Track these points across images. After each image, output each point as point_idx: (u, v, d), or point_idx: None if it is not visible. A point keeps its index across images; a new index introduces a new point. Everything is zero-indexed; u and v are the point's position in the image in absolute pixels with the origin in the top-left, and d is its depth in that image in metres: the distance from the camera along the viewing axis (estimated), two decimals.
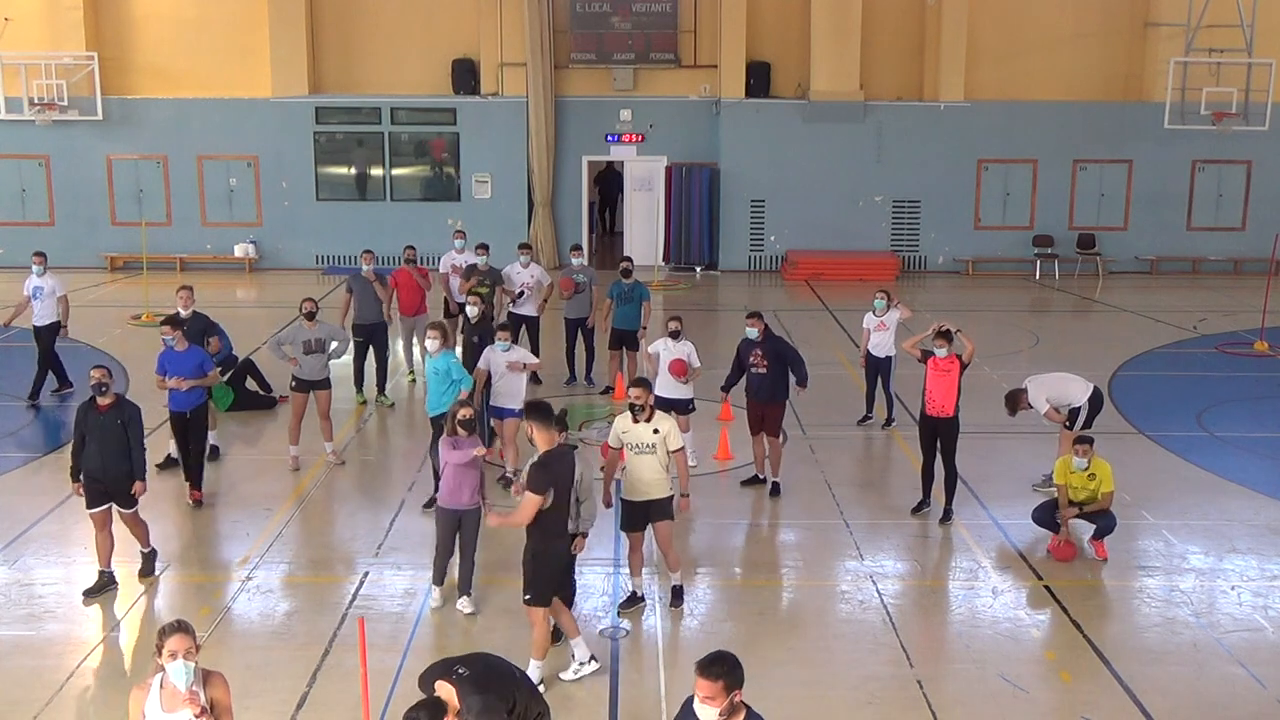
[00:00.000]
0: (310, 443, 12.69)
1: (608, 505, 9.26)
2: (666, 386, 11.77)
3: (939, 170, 25.26)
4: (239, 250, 25.22)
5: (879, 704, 7.92)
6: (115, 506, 9.41)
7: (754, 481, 11.94)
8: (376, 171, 25.64)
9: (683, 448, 9.09)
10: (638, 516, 9.00)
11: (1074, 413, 11.64)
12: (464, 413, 8.99)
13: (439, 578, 9.21)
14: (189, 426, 11.35)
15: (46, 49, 24.50)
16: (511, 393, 11.67)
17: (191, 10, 25.06)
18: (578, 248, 16.60)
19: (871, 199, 25.46)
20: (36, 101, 24.15)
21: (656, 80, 25.43)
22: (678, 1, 25.11)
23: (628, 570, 9.32)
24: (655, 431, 8.85)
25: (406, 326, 15.62)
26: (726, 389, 12.12)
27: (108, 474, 9.30)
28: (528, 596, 7.94)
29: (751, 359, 11.54)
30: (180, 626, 5.30)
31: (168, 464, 12.26)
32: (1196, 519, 11.27)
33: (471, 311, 12.89)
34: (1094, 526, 10.28)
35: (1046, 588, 9.76)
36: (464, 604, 9.08)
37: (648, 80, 25.41)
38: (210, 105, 24.99)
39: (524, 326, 15.51)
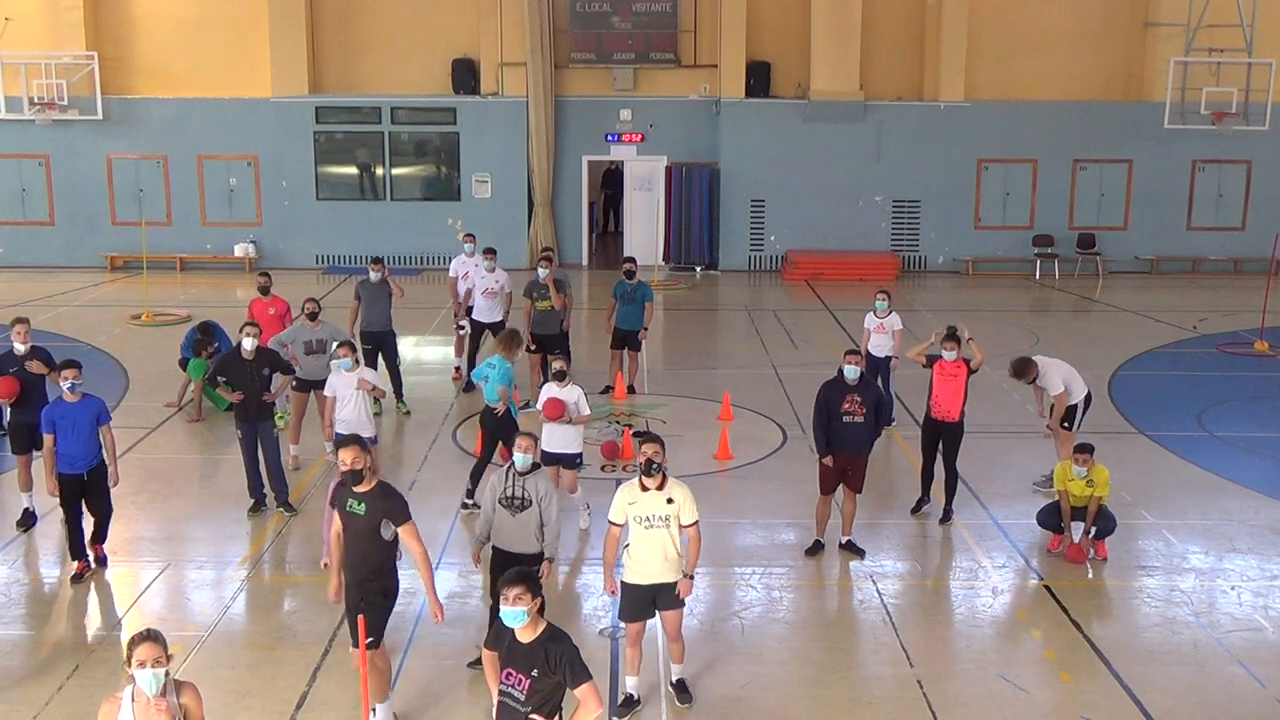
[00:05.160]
0: (310, 443, 12.69)
1: (611, 593, 7.90)
2: (552, 439, 10.39)
3: (939, 170, 25.27)
4: (239, 250, 25.22)
5: (879, 704, 7.92)
6: None
7: (817, 549, 10.34)
8: (376, 171, 25.65)
9: (697, 522, 7.63)
10: (643, 603, 7.67)
11: (1071, 410, 11.65)
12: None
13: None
14: (86, 490, 9.66)
15: (46, 49, 24.51)
16: (362, 419, 10.84)
17: (191, 10, 25.07)
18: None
19: (871, 199, 25.46)
20: (36, 101, 24.16)
21: (656, 80, 25.43)
22: (678, 1, 25.12)
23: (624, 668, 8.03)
24: (669, 502, 7.51)
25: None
26: (826, 447, 10.08)
27: None
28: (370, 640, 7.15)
29: (846, 405, 10.00)
30: (149, 635, 5.25)
31: (26, 519, 10.77)
32: (1196, 519, 11.27)
33: (247, 344, 11.03)
34: (1094, 527, 10.28)
35: (1046, 588, 9.76)
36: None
37: (648, 80, 25.42)
38: (210, 105, 25.00)
39: (486, 333, 15.18)
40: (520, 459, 7.93)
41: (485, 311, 15.19)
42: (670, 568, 7.59)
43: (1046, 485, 11.62)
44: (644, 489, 7.53)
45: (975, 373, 11.01)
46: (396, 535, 7.30)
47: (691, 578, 7.71)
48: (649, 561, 7.55)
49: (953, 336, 11.03)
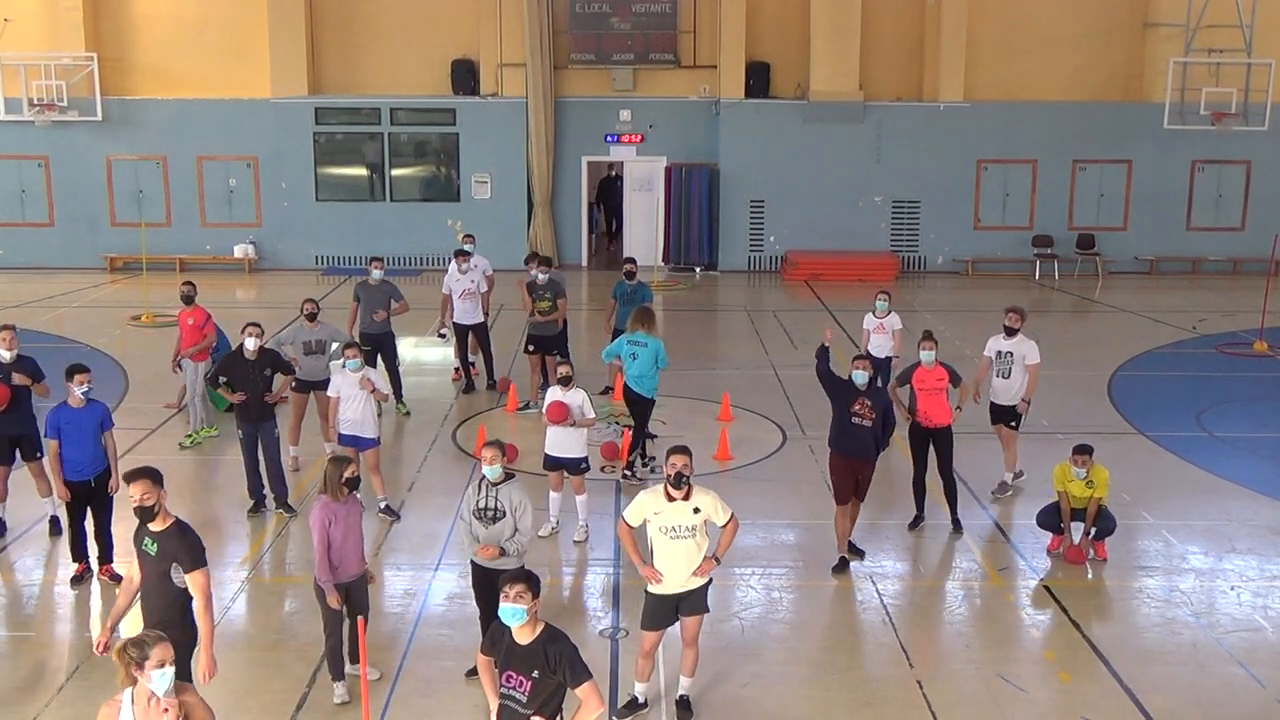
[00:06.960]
0: (310, 443, 12.69)
1: (656, 580, 7.46)
2: (557, 444, 10.42)
3: (938, 170, 25.26)
4: (238, 251, 25.22)
5: (879, 704, 7.92)
6: None
7: (844, 567, 10.05)
8: (376, 172, 25.65)
9: (733, 515, 7.56)
10: (666, 613, 7.54)
11: (1015, 412, 11.73)
12: (351, 470, 7.71)
13: (339, 671, 7.82)
14: (93, 496, 9.48)
15: (46, 49, 24.49)
16: (366, 419, 10.81)
17: (191, 10, 25.06)
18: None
19: (871, 199, 25.45)
20: (36, 102, 24.12)
21: (656, 80, 25.43)
22: (677, 2, 25.10)
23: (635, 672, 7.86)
24: (696, 511, 7.37)
25: (190, 371, 13.42)
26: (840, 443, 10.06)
27: None
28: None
29: (857, 407, 9.90)
30: (161, 636, 5.29)
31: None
32: (1196, 519, 11.27)
33: (250, 344, 11.06)
34: (1094, 528, 10.28)
35: (1046, 588, 9.77)
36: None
37: (647, 80, 25.41)
38: (210, 105, 24.99)
39: (470, 335, 15.21)
40: (490, 470, 7.73)
41: (464, 314, 15.08)
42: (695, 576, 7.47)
43: (1004, 492, 11.76)
44: (670, 499, 7.38)
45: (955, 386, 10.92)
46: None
47: (718, 561, 7.54)
48: (674, 572, 7.39)
49: (929, 336, 10.95)
